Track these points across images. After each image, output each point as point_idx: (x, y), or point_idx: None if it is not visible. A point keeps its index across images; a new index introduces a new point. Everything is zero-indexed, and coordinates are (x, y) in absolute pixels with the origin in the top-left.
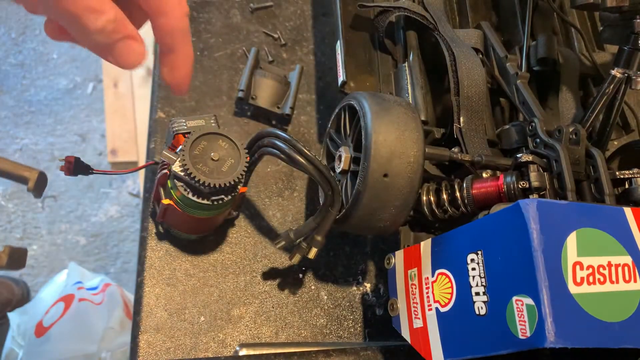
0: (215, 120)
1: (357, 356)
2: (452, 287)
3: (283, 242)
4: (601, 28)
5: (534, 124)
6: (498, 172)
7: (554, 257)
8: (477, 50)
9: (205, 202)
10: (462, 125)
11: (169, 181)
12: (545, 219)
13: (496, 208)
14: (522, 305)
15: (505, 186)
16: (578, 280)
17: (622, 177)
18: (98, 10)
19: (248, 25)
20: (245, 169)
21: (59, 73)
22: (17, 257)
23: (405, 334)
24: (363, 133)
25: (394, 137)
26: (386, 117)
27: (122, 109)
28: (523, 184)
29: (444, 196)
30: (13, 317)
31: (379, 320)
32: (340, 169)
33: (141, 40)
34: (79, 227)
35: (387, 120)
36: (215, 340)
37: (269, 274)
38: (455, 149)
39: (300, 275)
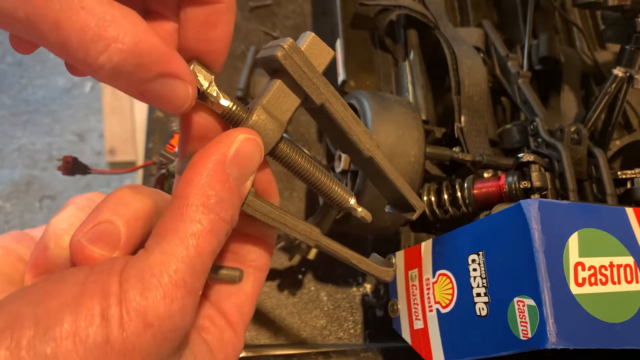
0: None
1: (357, 358)
2: (453, 288)
3: (282, 243)
4: (603, 27)
5: (535, 124)
6: (499, 172)
7: (555, 258)
8: (478, 49)
9: None
10: (463, 124)
11: (167, 181)
12: (546, 219)
13: (497, 208)
14: (523, 306)
15: (506, 186)
16: (580, 280)
17: (624, 177)
18: (103, 36)
19: (247, 24)
20: None
21: (57, 72)
22: None
23: (406, 335)
24: None
25: (394, 136)
26: (387, 116)
27: (120, 108)
28: (524, 184)
29: (445, 196)
30: None
31: (379, 322)
32: (340, 169)
33: (189, 77)
34: None
35: (387, 120)
36: None
37: (268, 275)
38: (456, 149)
39: (300, 276)
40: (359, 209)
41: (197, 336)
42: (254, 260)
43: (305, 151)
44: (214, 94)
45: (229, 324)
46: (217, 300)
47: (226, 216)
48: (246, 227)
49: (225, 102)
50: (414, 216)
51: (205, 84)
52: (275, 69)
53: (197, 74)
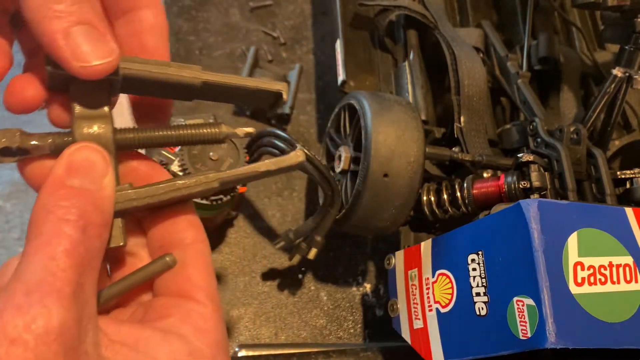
0: (214, 119)
1: (357, 357)
2: (452, 287)
3: (282, 243)
4: (602, 27)
5: (534, 124)
6: (499, 172)
7: (555, 258)
8: (477, 50)
9: (204, 202)
10: (462, 124)
11: None
12: (546, 219)
13: (497, 208)
14: (522, 305)
15: (506, 186)
16: (579, 280)
17: (623, 177)
18: None
19: (247, 24)
20: None
21: None
22: None
23: (406, 334)
24: (363, 133)
25: (394, 136)
26: (386, 116)
27: (120, 107)
28: (524, 183)
29: (445, 196)
30: None
31: (379, 321)
32: (340, 169)
33: (109, 36)
34: None
35: (387, 120)
36: None
37: (268, 275)
38: (456, 149)
39: (300, 276)
40: (237, 130)
41: (142, 330)
42: (185, 237)
43: (306, 150)
44: (33, 142)
45: (183, 298)
46: (164, 289)
47: (70, 217)
48: (160, 220)
49: (43, 140)
50: (284, 95)
51: (15, 143)
52: (64, 81)
53: (2, 138)
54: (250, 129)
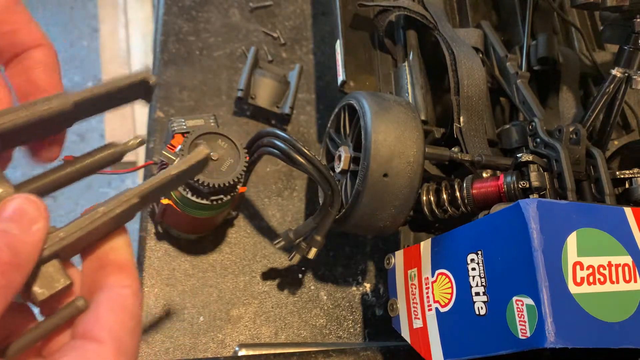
0: (214, 119)
1: (357, 356)
2: (452, 287)
3: (282, 242)
4: (601, 27)
5: (534, 124)
6: (498, 171)
7: (554, 257)
8: (477, 50)
9: (204, 201)
10: (462, 124)
11: None
12: (545, 218)
13: (496, 208)
14: (522, 305)
15: (505, 186)
16: (578, 280)
17: (622, 176)
18: None
19: (247, 25)
20: (245, 168)
21: None
22: None
23: (405, 334)
24: (363, 133)
25: (393, 136)
26: (386, 116)
27: (121, 108)
28: (523, 183)
29: (444, 196)
30: None
31: (378, 321)
32: (339, 169)
33: None
34: None
35: (386, 120)
36: (215, 341)
37: (268, 274)
38: (455, 149)
39: (300, 276)
40: (130, 143)
41: None
42: (108, 282)
43: (306, 150)
44: None
45: (85, 339)
46: (75, 332)
47: None
48: (88, 264)
49: None
50: (151, 80)
51: None
52: None
53: None
54: (141, 137)
